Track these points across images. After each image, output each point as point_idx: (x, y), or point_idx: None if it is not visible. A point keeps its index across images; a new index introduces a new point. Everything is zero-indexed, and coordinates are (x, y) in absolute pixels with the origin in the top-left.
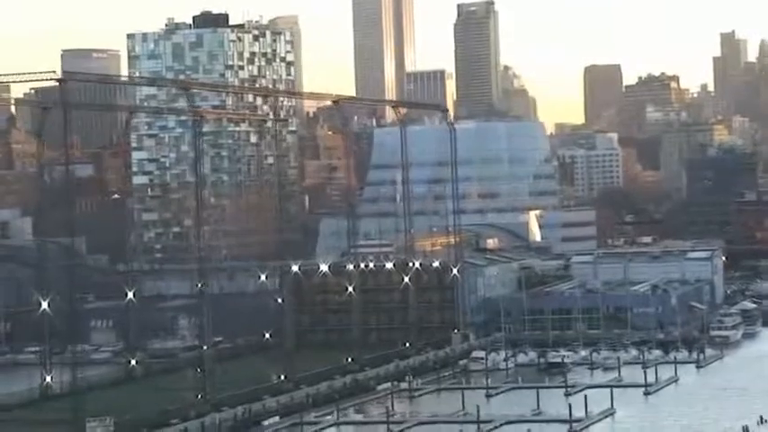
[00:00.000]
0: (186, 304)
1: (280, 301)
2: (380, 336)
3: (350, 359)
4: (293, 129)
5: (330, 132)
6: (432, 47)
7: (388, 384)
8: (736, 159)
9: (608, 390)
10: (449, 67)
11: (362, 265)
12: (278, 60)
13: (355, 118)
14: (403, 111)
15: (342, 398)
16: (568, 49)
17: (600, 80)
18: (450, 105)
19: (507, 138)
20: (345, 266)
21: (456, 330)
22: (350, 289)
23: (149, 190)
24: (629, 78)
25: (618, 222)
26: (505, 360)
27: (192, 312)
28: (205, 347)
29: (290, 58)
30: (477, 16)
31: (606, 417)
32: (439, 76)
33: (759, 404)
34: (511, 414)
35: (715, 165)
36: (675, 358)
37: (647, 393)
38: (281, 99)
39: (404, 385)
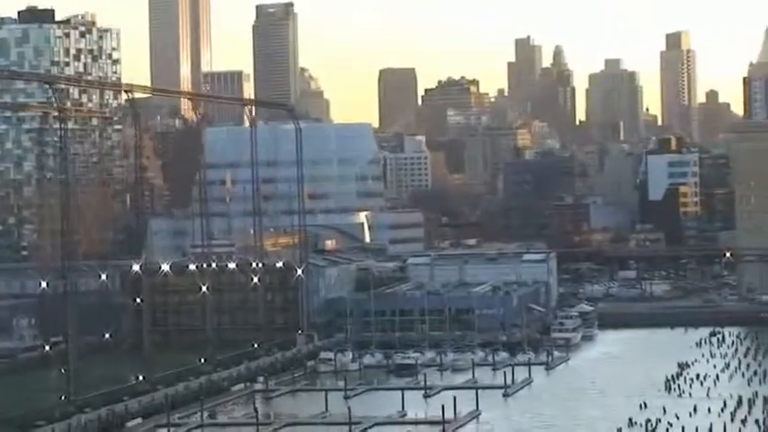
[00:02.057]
0: (22, 303)
1: (139, 300)
2: (225, 336)
3: (203, 360)
4: (118, 127)
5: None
6: (229, 47)
7: (242, 385)
8: (553, 163)
9: (464, 391)
10: (246, 68)
11: (204, 265)
12: (104, 57)
13: (158, 117)
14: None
15: (199, 399)
16: (364, 52)
17: (395, 83)
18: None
19: (336, 139)
20: (187, 266)
21: (300, 331)
22: (204, 289)
23: None
24: (428, 82)
25: (441, 224)
26: (354, 361)
27: (30, 312)
28: (47, 347)
29: (116, 55)
30: (276, 18)
31: (473, 418)
32: (236, 77)
33: (618, 404)
34: (378, 415)
35: (533, 168)
36: (530, 360)
37: (506, 395)
38: (106, 97)
39: (258, 386)
